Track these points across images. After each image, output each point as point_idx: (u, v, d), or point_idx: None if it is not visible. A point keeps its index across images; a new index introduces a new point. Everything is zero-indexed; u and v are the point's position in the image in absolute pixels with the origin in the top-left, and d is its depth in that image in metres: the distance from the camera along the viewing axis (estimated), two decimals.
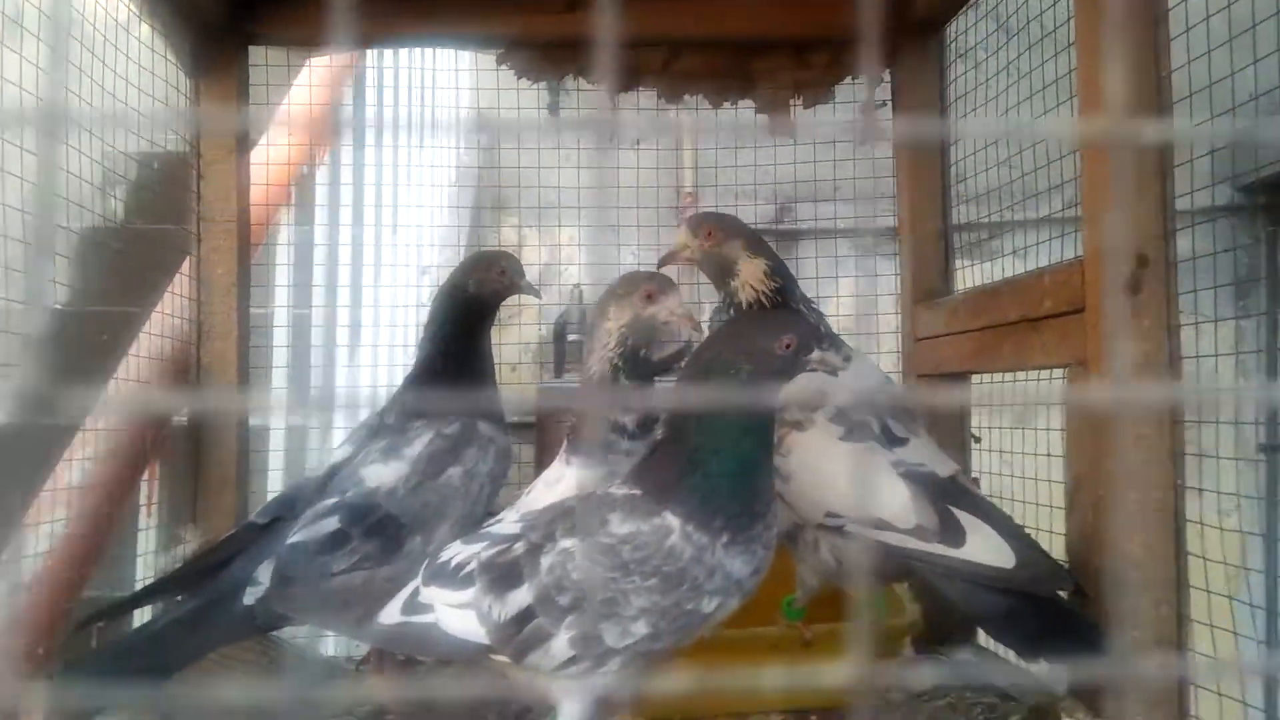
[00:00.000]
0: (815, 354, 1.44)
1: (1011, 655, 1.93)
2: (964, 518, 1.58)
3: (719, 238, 1.87)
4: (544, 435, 3.89)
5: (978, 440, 2.15)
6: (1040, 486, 1.90)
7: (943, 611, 1.93)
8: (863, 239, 3.52)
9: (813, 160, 2.73)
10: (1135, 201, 1.51)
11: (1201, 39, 1.60)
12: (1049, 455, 1.86)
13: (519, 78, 2.47)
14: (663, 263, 1.90)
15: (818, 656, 1.82)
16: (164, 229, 2.35)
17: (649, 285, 1.70)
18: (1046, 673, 1.68)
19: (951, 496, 1.62)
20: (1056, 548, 1.70)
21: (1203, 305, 1.74)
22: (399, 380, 3.24)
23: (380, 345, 3.50)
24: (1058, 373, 1.84)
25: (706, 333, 4.37)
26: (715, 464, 1.41)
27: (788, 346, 1.44)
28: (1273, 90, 1.60)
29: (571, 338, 4.26)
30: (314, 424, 3.18)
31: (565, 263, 4.47)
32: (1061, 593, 1.53)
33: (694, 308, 2.67)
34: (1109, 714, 1.46)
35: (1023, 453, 2.00)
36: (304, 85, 2.76)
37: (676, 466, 1.44)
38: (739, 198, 3.09)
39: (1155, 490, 1.46)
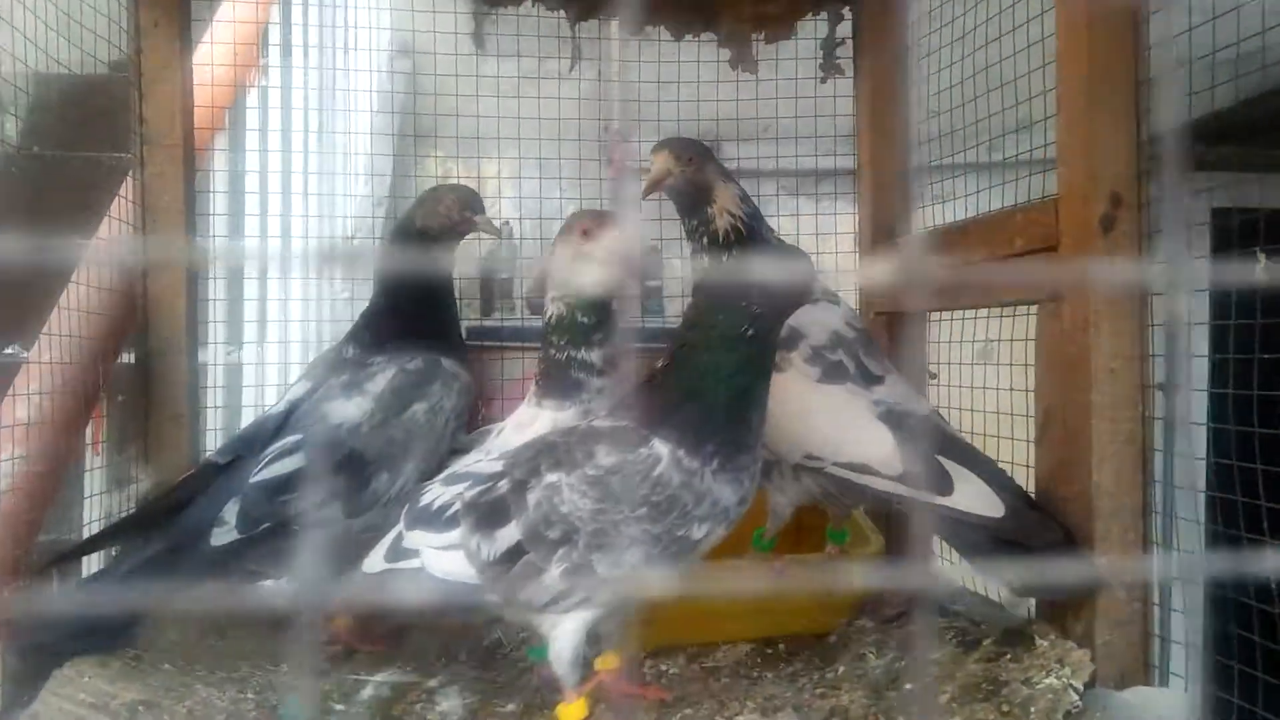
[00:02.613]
0: (819, 285, 1.46)
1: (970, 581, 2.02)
2: (950, 465, 1.61)
3: (698, 163, 1.84)
4: (473, 375, 3.84)
5: (934, 377, 2.20)
6: (1002, 420, 1.97)
7: (903, 540, 1.99)
8: (789, 180, 3.54)
9: (737, 99, 2.67)
10: (1110, 140, 1.55)
11: None
12: (1010, 390, 1.92)
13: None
14: (646, 191, 1.87)
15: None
16: (89, 156, 2.22)
17: (585, 221, 1.68)
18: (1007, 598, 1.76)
19: (935, 441, 1.66)
20: (1020, 479, 1.76)
21: None
22: (330, 312, 3.19)
23: (310, 279, 3.40)
24: (1019, 309, 1.90)
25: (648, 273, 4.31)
26: (713, 392, 1.43)
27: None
28: None
29: (501, 275, 4.20)
30: (249, 360, 3.09)
31: (492, 197, 4.38)
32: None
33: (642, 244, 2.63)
34: (1077, 634, 1.54)
35: (984, 387, 2.06)
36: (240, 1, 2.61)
37: (673, 394, 1.45)
38: (666, 135, 3.04)
39: (1125, 422, 1.53)
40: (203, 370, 2.69)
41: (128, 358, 2.08)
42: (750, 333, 1.43)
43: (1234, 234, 1.71)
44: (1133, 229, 1.53)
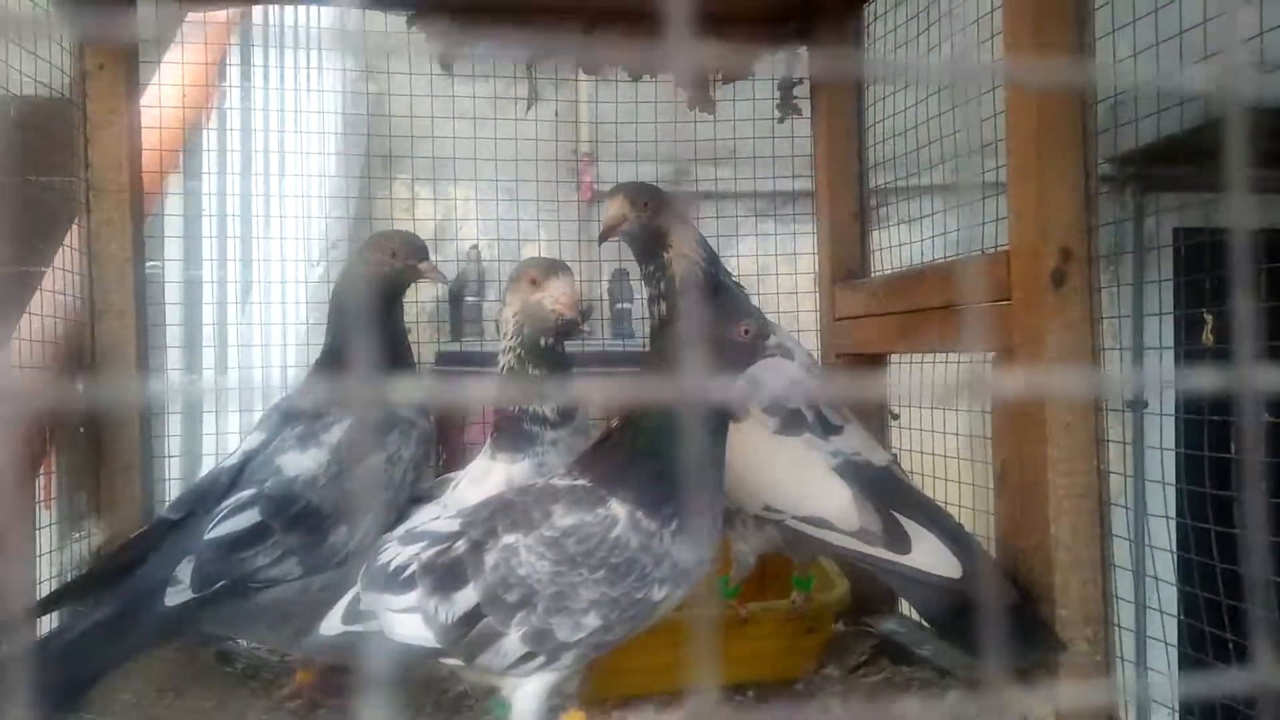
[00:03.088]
0: (772, 339, 1.45)
1: None
2: (908, 524, 1.61)
3: (655, 207, 1.83)
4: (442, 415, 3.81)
5: (895, 418, 2.21)
6: (963, 465, 1.97)
7: (870, 584, 1.99)
8: (759, 203, 3.55)
9: (697, 121, 2.64)
10: (1059, 193, 1.57)
11: None
12: (970, 435, 1.93)
13: (430, 43, 2.36)
14: (602, 237, 1.87)
15: (753, 633, 1.87)
16: (45, 181, 2.18)
17: (532, 270, 1.67)
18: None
19: (893, 496, 1.66)
20: (981, 526, 1.77)
21: None
22: (291, 339, 3.15)
23: (273, 303, 3.36)
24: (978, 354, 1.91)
25: (606, 293, 4.27)
26: (670, 450, 1.41)
27: (746, 333, 1.45)
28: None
29: (469, 299, 4.18)
30: (210, 408, 3.05)
31: (460, 219, 4.35)
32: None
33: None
34: (1043, 688, 1.54)
35: (944, 432, 2.07)
36: (195, 22, 2.57)
37: (630, 452, 1.44)
38: (637, 158, 3.04)
39: (1080, 475, 1.54)
40: (159, 419, 2.66)
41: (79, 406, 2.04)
42: None
43: (1203, 253, 1.71)
44: (1083, 284, 1.54)
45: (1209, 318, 1.42)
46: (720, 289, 1.87)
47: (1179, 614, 1.96)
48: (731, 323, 1.46)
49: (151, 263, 2.47)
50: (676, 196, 1.87)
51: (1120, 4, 1.60)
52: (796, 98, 2.39)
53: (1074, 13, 1.56)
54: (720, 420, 1.46)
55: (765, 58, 2.37)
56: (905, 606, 2.12)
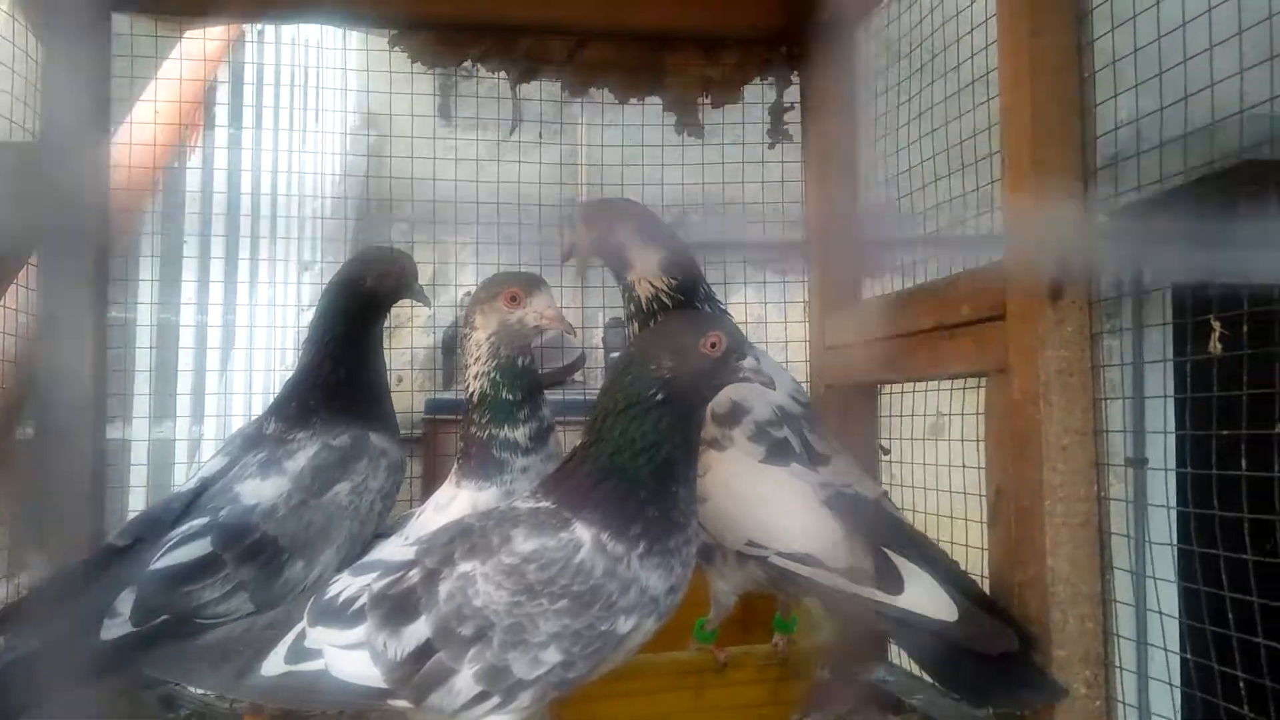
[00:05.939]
0: (748, 361, 1.35)
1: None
2: (901, 563, 1.50)
3: (606, 226, 1.74)
4: (431, 449, 3.72)
5: (886, 452, 2.11)
6: (955, 499, 1.87)
7: (858, 628, 1.87)
8: (753, 254, 3.48)
9: (682, 163, 2.58)
10: (1058, 206, 1.49)
11: None
12: (963, 466, 1.82)
13: (413, 62, 2.32)
14: (565, 258, 1.80)
15: (732, 680, 1.75)
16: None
17: (512, 286, 1.58)
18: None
19: (884, 532, 1.55)
20: (973, 562, 1.66)
21: None
22: (275, 387, 3.06)
23: (257, 348, 3.28)
24: (970, 381, 1.81)
25: (601, 341, 4.21)
26: (633, 466, 1.32)
27: (713, 346, 1.35)
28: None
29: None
30: (180, 436, 2.95)
31: (457, 264, 4.30)
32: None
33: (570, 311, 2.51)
34: None
35: (935, 464, 1.96)
36: (175, 59, 2.52)
37: (593, 471, 1.34)
38: None
39: (1079, 502, 1.43)
40: (125, 446, 2.56)
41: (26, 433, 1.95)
42: (659, 397, 1.32)
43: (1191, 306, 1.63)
44: (1082, 297, 1.45)
45: (1216, 325, 1.32)
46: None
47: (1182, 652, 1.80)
48: (698, 332, 1.36)
49: (115, 310, 2.36)
50: (638, 216, 1.77)
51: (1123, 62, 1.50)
52: (787, 124, 2.33)
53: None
54: (686, 429, 1.35)
55: (756, 81, 2.32)
56: (896, 653, 2.00)
